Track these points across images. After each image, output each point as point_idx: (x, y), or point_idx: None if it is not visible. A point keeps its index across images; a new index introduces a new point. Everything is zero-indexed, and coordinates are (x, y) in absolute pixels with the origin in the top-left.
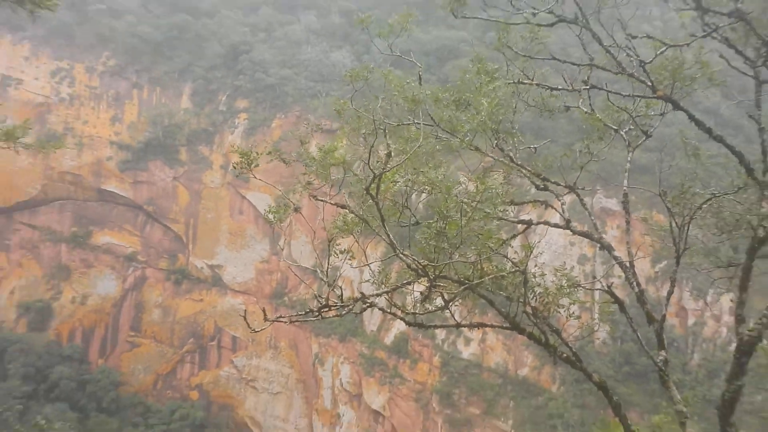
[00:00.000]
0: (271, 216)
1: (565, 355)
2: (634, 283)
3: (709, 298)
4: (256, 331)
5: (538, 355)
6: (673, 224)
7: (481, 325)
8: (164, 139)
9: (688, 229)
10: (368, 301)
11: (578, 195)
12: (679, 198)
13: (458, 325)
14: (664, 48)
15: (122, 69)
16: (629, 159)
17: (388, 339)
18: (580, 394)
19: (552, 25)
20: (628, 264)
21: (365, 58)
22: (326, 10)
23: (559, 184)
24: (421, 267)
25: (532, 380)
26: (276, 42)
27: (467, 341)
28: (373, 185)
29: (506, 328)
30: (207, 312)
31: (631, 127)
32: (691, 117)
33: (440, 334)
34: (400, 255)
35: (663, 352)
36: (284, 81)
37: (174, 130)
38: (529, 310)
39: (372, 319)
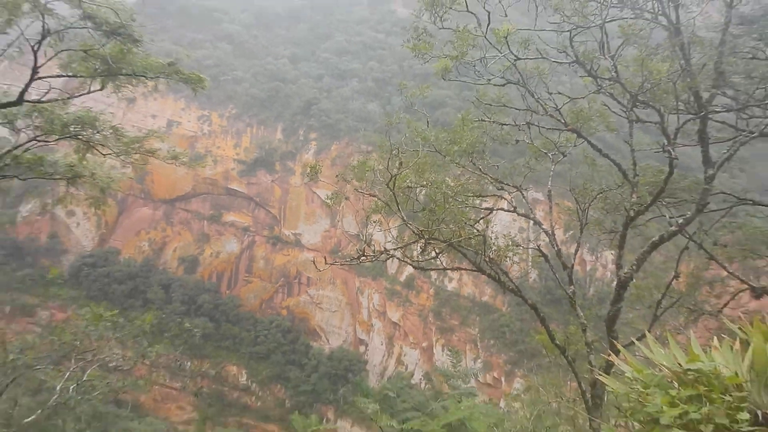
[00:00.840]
0: (329, 202)
1: (510, 287)
2: (554, 244)
3: (599, 254)
4: (320, 270)
5: (494, 288)
6: (578, 208)
7: (458, 269)
8: (266, 157)
9: (587, 211)
10: (390, 253)
11: (520, 191)
12: (581, 192)
13: (444, 269)
14: (569, 100)
15: (240, 115)
16: (552, 169)
17: (402, 278)
18: (520, 313)
19: (503, 85)
20: (550, 232)
21: (388, 107)
22: (364, 78)
23: (508, 185)
24: (420, 232)
25: (491, 303)
26: (333, 98)
27: (450, 279)
28: (390, 182)
29: (474, 270)
30: (292, 262)
31: (554, 151)
32: (588, 142)
33: (434, 275)
34: (408, 225)
35: (572, 287)
36: (338, 122)
37: (272, 152)
38: (487, 260)
39: (392, 266)
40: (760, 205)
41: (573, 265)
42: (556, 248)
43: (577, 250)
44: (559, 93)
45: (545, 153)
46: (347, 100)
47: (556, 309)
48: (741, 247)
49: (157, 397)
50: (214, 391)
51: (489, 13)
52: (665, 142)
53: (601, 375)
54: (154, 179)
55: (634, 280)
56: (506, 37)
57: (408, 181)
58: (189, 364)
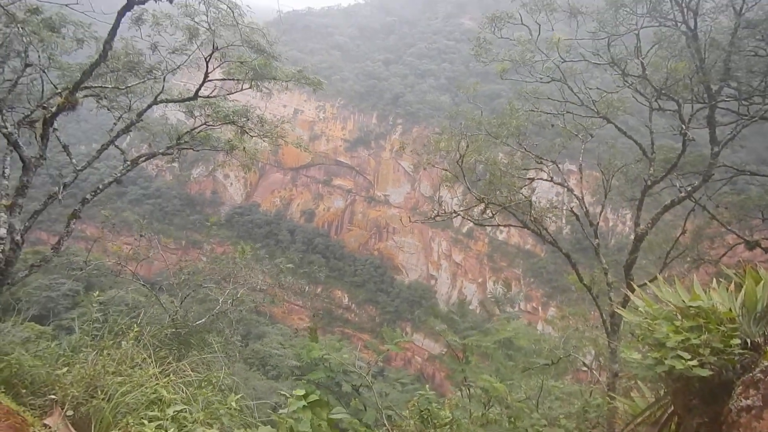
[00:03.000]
0: (410, 172)
1: (549, 239)
2: (583, 206)
3: (619, 213)
4: (405, 226)
5: (535, 238)
6: (603, 178)
7: (508, 225)
8: (364, 137)
9: (610, 181)
10: (457, 213)
11: (556, 164)
12: (607, 165)
13: (498, 225)
14: (604, 94)
15: (346, 105)
16: (582, 147)
17: (464, 230)
18: (554, 258)
19: (548, 82)
20: (580, 197)
21: (456, 98)
22: (438, 77)
23: (547, 159)
24: (481, 198)
25: (532, 250)
26: (415, 92)
27: (501, 231)
28: (459, 160)
29: (521, 226)
30: (382, 216)
31: (584, 132)
32: (617, 126)
33: (488, 228)
34: (472, 192)
35: (597, 240)
36: (418, 110)
37: (368, 133)
38: (532, 219)
39: (457, 220)
40: (756, 174)
41: (598, 223)
42: (584, 209)
43: (601, 211)
44: (597, 88)
45: (576, 134)
46: (425, 94)
47: (583, 256)
48: (739, 210)
49: (285, 311)
50: (324, 308)
51: (540, 25)
52: (682, 126)
53: (618, 308)
54: (284, 152)
55: (649, 235)
56: (557, 44)
57: (472, 158)
58: (308, 287)
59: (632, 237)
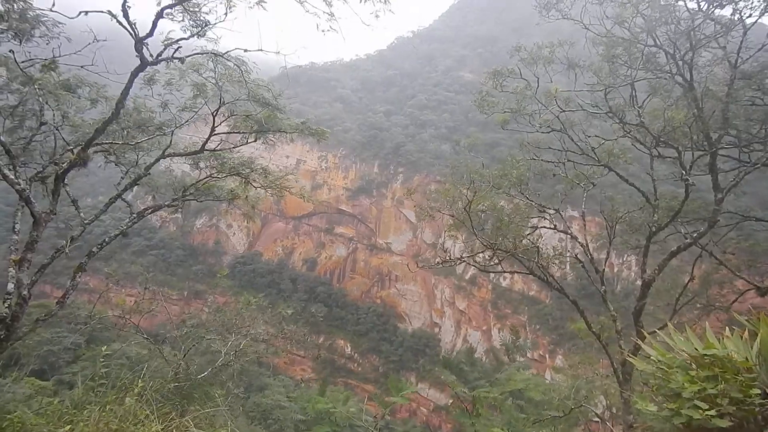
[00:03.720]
0: (418, 217)
1: (555, 286)
2: (587, 253)
3: (624, 258)
4: (412, 272)
5: (539, 285)
6: (607, 225)
7: (514, 272)
8: (366, 185)
9: (614, 227)
10: (462, 259)
11: (559, 212)
12: (610, 212)
13: (504, 271)
14: (603, 142)
15: (348, 155)
16: (584, 196)
17: (467, 276)
18: (560, 305)
19: (548, 132)
20: (584, 243)
21: (456, 148)
22: (439, 127)
23: (549, 207)
24: (489, 244)
25: (536, 297)
26: (415, 142)
27: (504, 278)
28: (467, 206)
29: (526, 272)
30: (384, 263)
31: (585, 181)
32: (618, 174)
33: (492, 275)
34: (479, 238)
35: (603, 287)
36: (419, 159)
37: (370, 182)
38: (539, 265)
39: (460, 267)
40: (761, 220)
41: (604, 269)
42: (589, 256)
43: (606, 258)
44: (596, 136)
45: (578, 183)
46: (426, 143)
47: (589, 302)
48: (747, 255)
49: (287, 361)
50: (327, 358)
51: (538, 78)
52: (682, 172)
53: (630, 357)
54: (286, 201)
55: (656, 281)
56: (554, 95)
57: (480, 205)
58: (310, 338)
59: (639, 283)
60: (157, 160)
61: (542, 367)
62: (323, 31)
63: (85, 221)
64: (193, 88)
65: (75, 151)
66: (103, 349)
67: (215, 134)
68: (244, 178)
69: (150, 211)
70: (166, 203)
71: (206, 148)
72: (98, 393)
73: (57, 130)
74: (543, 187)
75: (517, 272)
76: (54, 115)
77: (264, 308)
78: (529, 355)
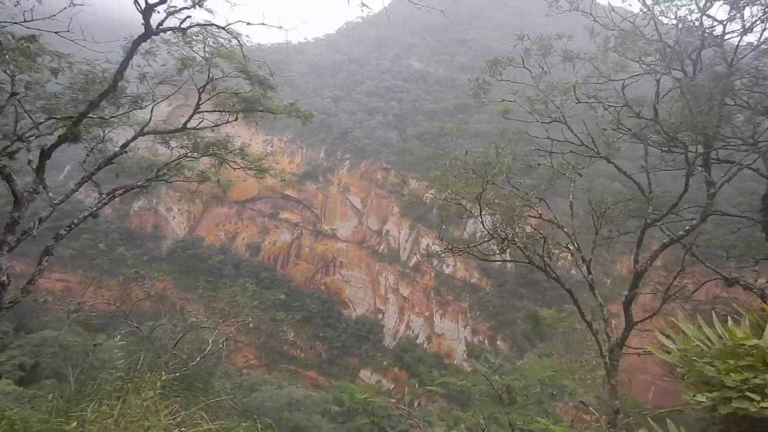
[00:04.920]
0: (358, 206)
1: (552, 276)
2: (575, 243)
3: (595, 252)
4: (353, 260)
5: (481, 272)
6: (594, 215)
7: (514, 261)
8: (312, 171)
9: (601, 217)
10: (467, 249)
11: (545, 202)
12: (598, 202)
13: (504, 260)
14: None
15: (294, 139)
16: (572, 185)
17: (411, 263)
18: (500, 292)
19: (549, 123)
20: (573, 233)
21: (404, 135)
22: (386, 114)
23: (536, 198)
24: (507, 237)
25: (478, 284)
26: (363, 128)
27: (447, 265)
28: (479, 196)
29: (525, 262)
30: (329, 250)
31: (571, 171)
32: (617, 167)
33: (435, 262)
34: (488, 230)
35: (590, 275)
36: (366, 146)
37: (317, 167)
38: (542, 255)
39: (404, 254)
40: (727, 215)
41: (590, 258)
42: (576, 245)
43: (593, 247)
44: (585, 132)
45: (563, 173)
46: (373, 130)
47: (529, 290)
48: (706, 247)
49: (231, 349)
50: (270, 344)
51: (542, 69)
52: (690, 167)
53: (651, 347)
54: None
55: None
56: (575, 87)
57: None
58: (251, 324)
59: (631, 274)
60: (135, 137)
61: (481, 353)
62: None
63: (54, 201)
64: (178, 60)
65: (64, 125)
66: (95, 343)
67: (199, 112)
68: (221, 158)
69: (122, 191)
70: (139, 183)
71: (188, 127)
72: (91, 387)
73: (18, 101)
74: (524, 178)
75: (516, 261)
76: (13, 84)
77: (206, 297)
78: (469, 339)
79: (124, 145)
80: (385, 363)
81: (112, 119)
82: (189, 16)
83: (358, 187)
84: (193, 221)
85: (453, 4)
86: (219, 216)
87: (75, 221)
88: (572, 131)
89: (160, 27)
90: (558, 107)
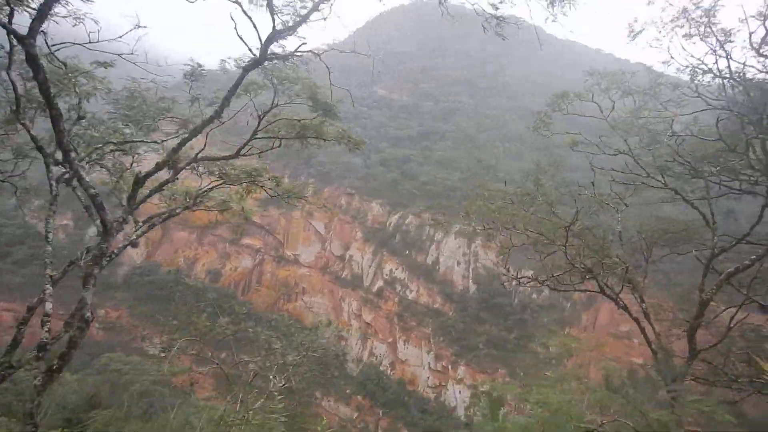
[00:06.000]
0: (321, 231)
1: (622, 305)
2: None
3: (522, 273)
4: (316, 287)
5: (444, 297)
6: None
7: (587, 291)
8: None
9: (652, 248)
10: (538, 280)
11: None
12: (646, 232)
13: (577, 290)
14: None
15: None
16: (619, 215)
17: (374, 289)
18: (463, 317)
19: (615, 155)
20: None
21: (367, 162)
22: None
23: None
24: (587, 268)
25: (441, 309)
26: (327, 153)
27: (410, 291)
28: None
29: (597, 291)
30: (292, 275)
31: (617, 200)
32: (684, 199)
33: (398, 288)
34: (572, 262)
35: (644, 304)
36: (331, 171)
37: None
38: (625, 285)
39: (367, 279)
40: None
41: (643, 287)
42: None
43: (645, 277)
44: (668, 161)
45: (607, 203)
46: (338, 155)
47: (491, 314)
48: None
49: (187, 380)
50: (231, 374)
51: (614, 102)
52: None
53: None
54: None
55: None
56: (672, 121)
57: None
58: (210, 353)
59: (534, 296)
60: (189, 163)
61: (444, 378)
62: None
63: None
64: (245, 87)
65: (166, 154)
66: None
67: (256, 138)
68: (259, 185)
69: (161, 219)
70: (177, 210)
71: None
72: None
73: (74, 125)
74: (564, 208)
75: (589, 291)
76: (80, 107)
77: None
78: (432, 365)
79: (177, 172)
80: (348, 391)
81: (139, 143)
82: (304, 43)
83: (321, 213)
84: (152, 247)
85: (418, 34)
86: (179, 242)
87: (115, 251)
88: (638, 163)
89: (271, 54)
90: (625, 140)
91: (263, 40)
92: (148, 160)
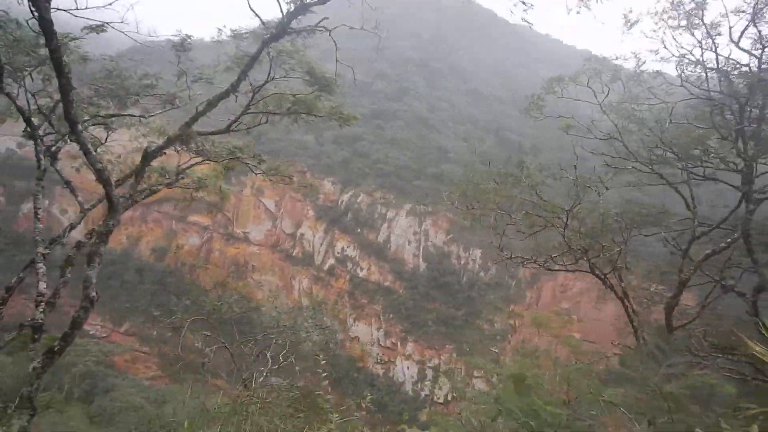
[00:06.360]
0: (272, 209)
1: (611, 288)
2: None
3: (471, 252)
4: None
5: (395, 275)
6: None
7: (577, 270)
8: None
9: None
10: (532, 260)
11: (568, 212)
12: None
13: (566, 270)
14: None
15: None
16: (600, 197)
17: (325, 267)
18: (413, 295)
19: (607, 139)
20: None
21: (319, 139)
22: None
23: (564, 209)
24: (582, 249)
25: (391, 287)
26: (278, 130)
27: (361, 269)
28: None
29: (585, 271)
30: (241, 253)
31: (598, 183)
32: (667, 182)
33: (349, 265)
34: (569, 243)
35: (623, 283)
36: (282, 148)
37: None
38: (615, 268)
39: (318, 257)
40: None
41: (622, 267)
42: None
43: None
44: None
45: (588, 186)
46: (289, 132)
47: (440, 292)
48: None
49: (129, 359)
50: (175, 353)
51: (609, 88)
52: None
53: None
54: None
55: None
56: (670, 112)
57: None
58: (155, 332)
59: (482, 274)
60: (176, 139)
61: (394, 355)
62: None
63: (86, 206)
64: (234, 58)
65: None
66: None
67: (248, 113)
68: (244, 163)
69: (142, 196)
70: (159, 186)
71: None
72: None
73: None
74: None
75: (579, 270)
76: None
77: (103, 303)
78: (382, 342)
79: (162, 147)
80: (297, 368)
81: (117, 117)
82: (326, 18)
83: (272, 190)
84: (92, 224)
85: (372, 12)
86: (121, 219)
87: (96, 228)
88: (626, 148)
89: (292, 28)
90: (615, 125)
91: (286, 12)
92: (120, 135)
